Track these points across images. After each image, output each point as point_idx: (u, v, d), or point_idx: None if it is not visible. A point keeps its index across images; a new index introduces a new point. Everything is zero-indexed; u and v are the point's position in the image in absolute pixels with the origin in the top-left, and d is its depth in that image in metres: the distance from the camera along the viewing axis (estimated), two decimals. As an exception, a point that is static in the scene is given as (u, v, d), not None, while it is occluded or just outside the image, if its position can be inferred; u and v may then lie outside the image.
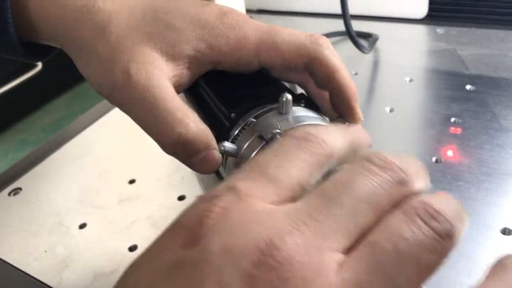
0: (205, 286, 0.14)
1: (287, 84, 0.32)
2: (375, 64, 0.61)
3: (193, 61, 0.28)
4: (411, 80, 0.55)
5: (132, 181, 0.45)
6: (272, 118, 0.26)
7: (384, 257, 0.15)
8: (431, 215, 0.16)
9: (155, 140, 0.26)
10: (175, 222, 0.17)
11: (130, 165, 0.48)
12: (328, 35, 0.67)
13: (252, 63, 0.29)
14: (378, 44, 0.64)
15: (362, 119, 0.30)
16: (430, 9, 0.68)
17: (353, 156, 0.21)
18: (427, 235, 0.15)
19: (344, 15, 0.57)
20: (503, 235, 0.34)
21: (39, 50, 0.32)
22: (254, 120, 0.27)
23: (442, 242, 0.15)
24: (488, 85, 0.52)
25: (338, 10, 0.57)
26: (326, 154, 0.19)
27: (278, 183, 0.17)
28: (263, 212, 0.16)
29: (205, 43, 0.28)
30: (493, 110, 0.47)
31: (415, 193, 0.17)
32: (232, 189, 0.17)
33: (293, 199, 0.18)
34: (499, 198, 0.37)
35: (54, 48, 0.32)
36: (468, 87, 0.52)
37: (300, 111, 0.27)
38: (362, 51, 0.60)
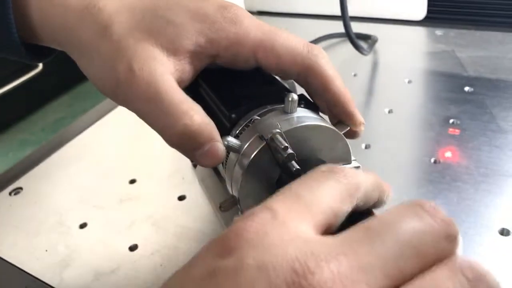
0: None
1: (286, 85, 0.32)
2: (374, 65, 0.61)
3: (194, 56, 0.28)
4: (410, 82, 0.56)
5: (132, 181, 0.45)
6: (272, 118, 0.27)
7: None
8: (476, 277, 0.15)
9: (161, 133, 0.26)
10: (214, 237, 0.17)
11: (131, 165, 0.48)
12: (328, 36, 0.67)
13: (249, 60, 0.29)
14: (377, 45, 0.65)
15: (364, 122, 0.30)
16: (429, 11, 0.69)
17: (381, 200, 0.22)
18: None
19: (344, 17, 0.57)
20: (501, 236, 0.34)
21: (41, 51, 0.32)
22: (255, 120, 0.27)
23: None
24: (486, 87, 0.52)
25: (337, 11, 0.57)
26: (353, 184, 0.19)
27: (311, 206, 0.18)
28: (300, 235, 0.16)
29: (205, 37, 0.28)
30: (491, 111, 0.48)
31: (456, 253, 0.17)
32: (270, 209, 0.17)
33: (328, 226, 0.18)
34: (497, 199, 0.37)
35: (55, 49, 0.32)
36: (466, 88, 0.52)
37: (300, 112, 0.27)
38: (361, 53, 0.60)
